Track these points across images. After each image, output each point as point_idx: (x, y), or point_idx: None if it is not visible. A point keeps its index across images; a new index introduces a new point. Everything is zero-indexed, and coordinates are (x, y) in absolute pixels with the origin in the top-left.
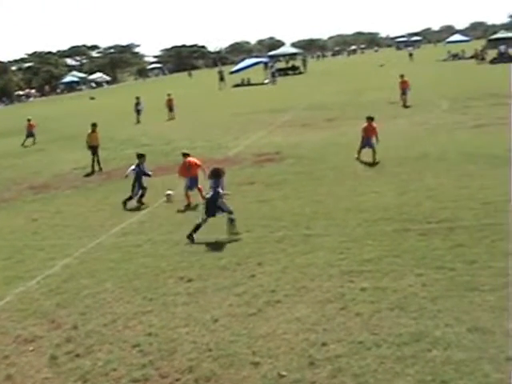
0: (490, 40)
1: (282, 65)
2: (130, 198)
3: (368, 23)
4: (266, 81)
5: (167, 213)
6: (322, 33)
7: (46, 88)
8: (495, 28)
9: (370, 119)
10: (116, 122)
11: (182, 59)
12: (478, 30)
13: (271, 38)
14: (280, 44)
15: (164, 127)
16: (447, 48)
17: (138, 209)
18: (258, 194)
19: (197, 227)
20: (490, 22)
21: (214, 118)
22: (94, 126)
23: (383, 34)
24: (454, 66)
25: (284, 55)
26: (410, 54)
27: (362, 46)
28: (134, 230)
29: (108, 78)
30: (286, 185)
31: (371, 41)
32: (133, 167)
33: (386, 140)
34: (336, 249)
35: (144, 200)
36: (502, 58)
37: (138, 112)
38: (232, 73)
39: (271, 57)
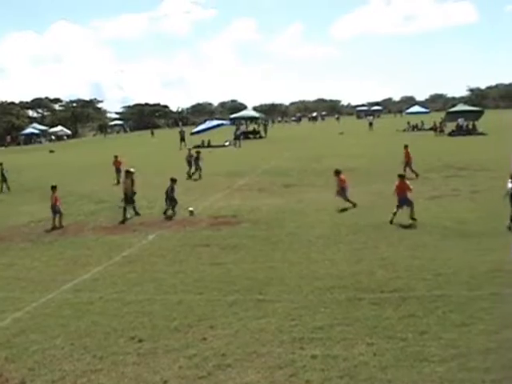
0: (448, 112)
1: (242, 128)
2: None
3: (330, 91)
4: (227, 143)
5: (121, 271)
6: (284, 98)
7: (8, 138)
8: (454, 101)
9: (402, 177)
10: (76, 176)
11: (144, 117)
12: (437, 102)
13: (233, 101)
14: (242, 107)
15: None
16: (407, 119)
17: (95, 264)
18: (213, 257)
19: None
20: (449, 95)
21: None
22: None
23: (345, 102)
24: (413, 137)
25: (245, 118)
26: (370, 124)
27: (324, 112)
28: (87, 286)
29: (69, 132)
30: (241, 248)
31: (332, 108)
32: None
33: (342, 208)
34: (288, 315)
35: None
36: (460, 131)
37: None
38: (193, 134)
39: (233, 119)
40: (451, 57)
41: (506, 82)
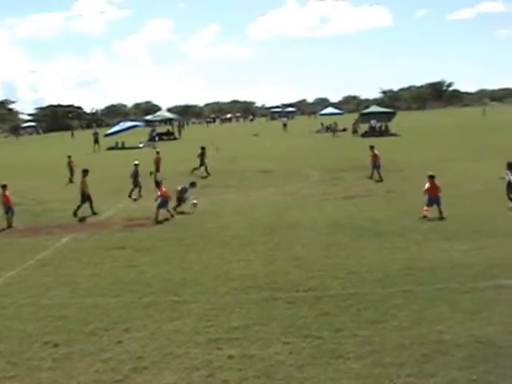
0: (362, 114)
1: (156, 130)
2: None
3: (245, 92)
4: (141, 145)
5: (35, 275)
6: (199, 99)
7: None
8: (368, 102)
9: (432, 177)
10: None
11: (57, 119)
12: (351, 103)
13: (148, 103)
14: (156, 108)
15: (39, 188)
16: (320, 120)
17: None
18: (128, 259)
19: None
20: (363, 97)
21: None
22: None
23: (259, 104)
24: (326, 138)
25: (160, 120)
26: (284, 125)
27: (238, 114)
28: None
29: None
30: (155, 250)
31: (247, 110)
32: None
33: (256, 209)
34: (204, 316)
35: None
36: (373, 132)
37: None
38: (107, 135)
39: (147, 121)
40: (365, 59)
41: (418, 84)
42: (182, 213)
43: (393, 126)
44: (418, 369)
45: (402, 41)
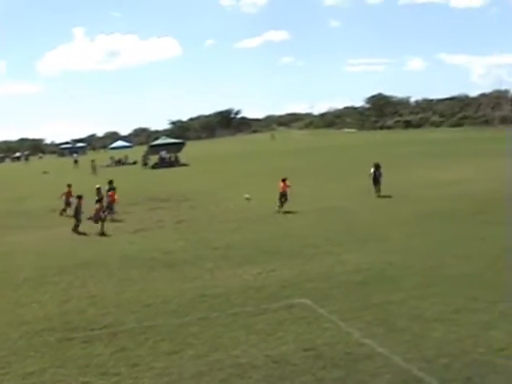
0: (151, 146)
1: None
2: None
3: (33, 130)
4: None
5: None
6: None
7: None
8: (158, 134)
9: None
10: None
11: None
12: (141, 135)
13: None
14: None
15: None
16: (110, 154)
17: None
18: None
19: None
20: (153, 128)
21: None
22: None
23: (48, 141)
24: (117, 171)
25: None
26: (75, 161)
27: (27, 152)
28: None
29: None
30: None
31: (36, 147)
32: None
33: (48, 248)
34: None
35: None
36: (162, 163)
37: None
38: None
39: None
40: (155, 91)
41: (207, 113)
42: None
43: (183, 156)
44: None
45: (191, 71)
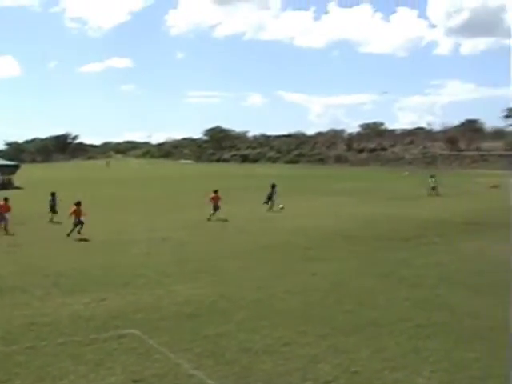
0: None
1: None
2: None
3: None
4: None
5: None
6: None
7: None
8: None
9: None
10: None
11: None
12: None
13: None
14: None
15: None
16: None
17: None
18: None
19: None
20: None
21: None
22: None
23: None
24: None
25: None
26: None
27: None
28: None
29: None
30: None
31: None
32: None
33: None
34: None
35: None
36: None
37: None
38: None
39: None
40: None
41: (43, 136)
42: None
43: (17, 178)
44: None
45: (30, 92)
